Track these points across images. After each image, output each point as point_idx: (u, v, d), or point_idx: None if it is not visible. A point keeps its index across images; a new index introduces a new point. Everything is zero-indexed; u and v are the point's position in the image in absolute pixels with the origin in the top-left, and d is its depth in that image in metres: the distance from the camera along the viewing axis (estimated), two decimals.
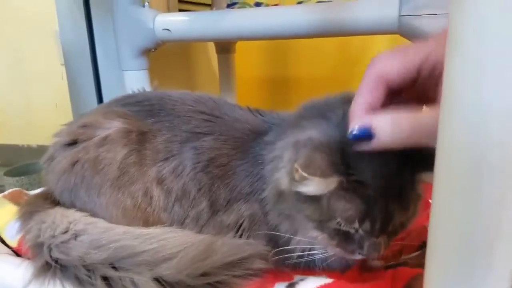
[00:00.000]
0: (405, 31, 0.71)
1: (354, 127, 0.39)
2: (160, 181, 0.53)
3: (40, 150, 0.60)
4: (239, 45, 1.33)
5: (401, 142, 0.37)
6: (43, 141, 0.60)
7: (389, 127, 0.36)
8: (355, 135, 0.39)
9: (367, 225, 0.42)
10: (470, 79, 0.24)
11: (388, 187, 0.42)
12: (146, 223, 0.52)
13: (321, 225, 0.44)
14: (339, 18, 0.75)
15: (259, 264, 0.46)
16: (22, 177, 1.51)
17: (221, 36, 0.89)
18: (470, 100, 0.24)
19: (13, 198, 0.65)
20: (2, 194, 0.67)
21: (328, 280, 0.46)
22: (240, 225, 0.52)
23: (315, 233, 0.45)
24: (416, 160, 0.43)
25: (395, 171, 0.42)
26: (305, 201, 0.44)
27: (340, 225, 0.43)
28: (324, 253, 0.47)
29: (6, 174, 1.54)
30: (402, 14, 0.70)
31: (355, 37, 1.35)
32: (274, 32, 0.80)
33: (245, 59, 1.48)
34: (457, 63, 0.25)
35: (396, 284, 0.44)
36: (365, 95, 0.39)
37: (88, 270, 0.46)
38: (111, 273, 0.45)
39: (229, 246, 0.47)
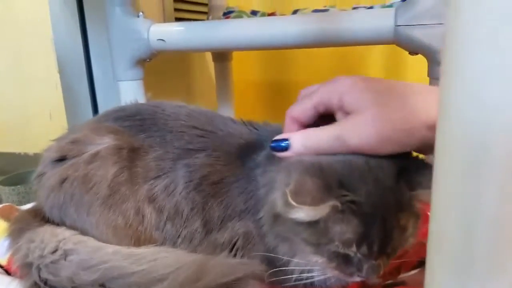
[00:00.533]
0: (401, 41, 0.71)
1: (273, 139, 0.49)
2: (151, 200, 0.52)
3: (37, 158, 0.59)
4: (236, 52, 1.33)
5: (314, 151, 0.46)
6: (39, 149, 0.60)
7: (300, 140, 0.46)
8: (271, 146, 0.49)
9: (364, 248, 0.42)
10: (468, 78, 0.23)
11: (384, 206, 0.41)
12: (138, 242, 0.51)
13: (319, 248, 0.43)
14: (335, 28, 0.75)
15: (254, 285, 0.45)
16: (18, 186, 1.49)
17: (215, 46, 0.89)
18: (469, 99, 0.24)
19: (3, 214, 0.64)
20: None
21: None
22: (234, 244, 0.51)
23: (314, 257, 0.44)
24: (412, 178, 0.42)
25: (392, 190, 0.41)
26: (302, 224, 0.43)
27: (338, 247, 0.42)
28: (323, 275, 0.46)
29: (2, 183, 1.52)
30: (398, 24, 0.69)
31: None
32: (270, 43, 0.79)
33: (243, 66, 1.47)
34: (455, 63, 0.24)
35: None
36: (285, 130, 0.51)
37: None
38: None
39: (223, 266, 0.46)
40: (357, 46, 1.36)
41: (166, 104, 0.60)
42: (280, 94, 1.53)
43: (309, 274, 0.47)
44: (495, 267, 0.26)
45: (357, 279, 0.44)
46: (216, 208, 0.52)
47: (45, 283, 0.47)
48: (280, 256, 0.47)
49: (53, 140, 0.59)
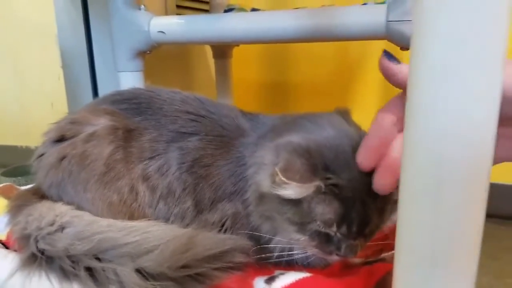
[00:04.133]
0: (393, 36, 0.73)
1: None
2: (145, 179, 0.55)
3: None
4: (236, 49, 1.35)
5: None
6: (40, 142, 0.62)
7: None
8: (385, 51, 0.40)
9: (344, 228, 0.44)
10: (431, 90, 0.26)
11: (365, 190, 0.43)
12: (132, 218, 0.53)
13: (302, 227, 0.46)
14: (330, 24, 0.77)
15: (240, 258, 0.47)
16: (19, 177, 1.52)
17: (215, 39, 0.91)
18: (432, 109, 0.26)
19: (4, 193, 0.67)
20: None
21: (307, 274, 0.47)
22: (224, 223, 0.53)
23: (296, 235, 0.47)
24: None
25: (372, 175, 0.44)
26: (287, 204, 0.46)
27: (320, 227, 0.45)
28: (303, 253, 0.49)
29: (3, 174, 1.55)
30: (389, 19, 0.71)
31: (353, 42, 1.37)
32: (266, 36, 0.82)
33: (242, 64, 1.49)
34: (421, 73, 0.27)
35: (372, 278, 0.45)
36: None
37: (73, 261, 0.47)
38: (94, 264, 0.46)
39: (210, 239, 0.48)
40: (358, 47, 1.39)
41: (162, 90, 0.62)
42: (279, 94, 1.55)
43: (290, 252, 0.49)
44: (455, 269, 0.29)
45: (336, 258, 0.47)
46: (207, 189, 0.54)
47: (42, 253, 0.49)
48: (263, 234, 0.49)
49: (53, 124, 0.61)
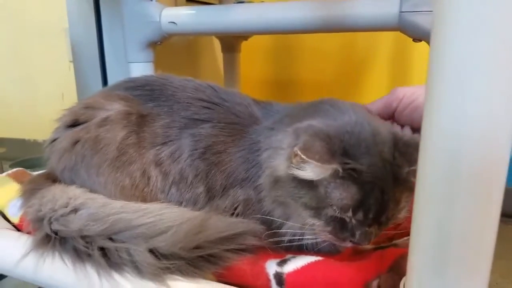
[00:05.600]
0: (405, 27, 0.73)
1: None
2: (158, 164, 0.55)
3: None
4: (244, 45, 1.35)
5: None
6: (48, 136, 0.62)
7: None
8: None
9: (360, 214, 0.44)
10: (450, 93, 0.27)
11: (383, 178, 0.43)
12: (144, 202, 0.53)
13: (318, 212, 0.46)
14: (341, 14, 0.77)
15: (251, 241, 0.47)
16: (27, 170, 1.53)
17: (226, 30, 0.91)
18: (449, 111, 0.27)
19: (16, 177, 0.67)
20: (6, 173, 0.69)
21: (319, 258, 0.47)
22: (235, 209, 0.53)
23: (311, 220, 0.46)
24: (411, 154, 0.44)
25: (391, 164, 0.44)
26: (303, 187, 0.46)
27: (335, 212, 0.45)
28: (315, 239, 0.48)
29: (11, 167, 1.56)
30: (402, 10, 0.71)
31: (359, 39, 1.37)
32: (277, 27, 0.82)
33: (250, 59, 1.50)
34: (440, 72, 0.27)
35: (384, 262, 0.45)
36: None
37: (86, 242, 0.48)
38: (108, 244, 0.46)
39: (223, 222, 0.48)
40: (364, 43, 1.39)
41: (174, 78, 0.62)
42: (285, 90, 1.56)
43: (301, 237, 0.49)
44: (468, 268, 0.30)
45: (349, 244, 0.46)
46: (219, 176, 0.54)
47: (56, 234, 0.50)
48: (275, 219, 0.50)
49: (65, 109, 0.62)
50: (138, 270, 0.45)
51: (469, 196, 0.28)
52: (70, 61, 1.27)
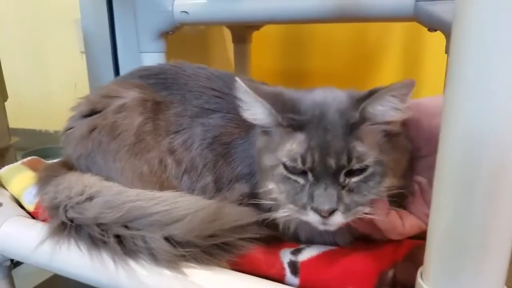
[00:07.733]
0: (421, 17, 0.72)
1: None
2: (172, 152, 0.55)
3: (56, 135, 0.62)
4: (255, 36, 1.34)
5: None
6: (60, 126, 0.63)
7: None
8: None
9: (309, 161, 0.41)
10: (469, 88, 0.27)
11: (329, 127, 0.42)
12: (162, 188, 0.54)
13: (272, 172, 0.45)
14: (355, 3, 0.76)
15: (266, 230, 0.47)
16: None
17: (238, 19, 0.91)
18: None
19: (31, 165, 0.68)
20: (21, 161, 0.70)
21: (333, 247, 0.47)
22: (241, 201, 0.53)
23: (270, 184, 0.45)
24: (363, 98, 0.43)
25: (342, 113, 0.43)
26: (265, 147, 0.47)
27: (287, 168, 0.43)
28: (284, 212, 0.45)
29: (24, 157, 1.57)
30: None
31: (371, 30, 1.36)
32: (290, 16, 0.81)
33: (261, 50, 1.49)
34: (459, 73, 0.28)
35: (399, 251, 0.44)
36: None
37: (102, 229, 0.48)
38: (123, 231, 0.47)
39: (238, 211, 0.49)
40: (376, 34, 1.37)
41: (187, 66, 0.62)
42: (296, 81, 1.55)
43: (273, 214, 0.46)
44: (486, 259, 0.30)
45: (312, 216, 0.41)
46: (226, 167, 0.55)
47: (72, 221, 0.50)
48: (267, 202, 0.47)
49: (80, 98, 0.62)
50: (154, 257, 0.45)
51: (487, 189, 0.28)
52: (82, 52, 1.27)
